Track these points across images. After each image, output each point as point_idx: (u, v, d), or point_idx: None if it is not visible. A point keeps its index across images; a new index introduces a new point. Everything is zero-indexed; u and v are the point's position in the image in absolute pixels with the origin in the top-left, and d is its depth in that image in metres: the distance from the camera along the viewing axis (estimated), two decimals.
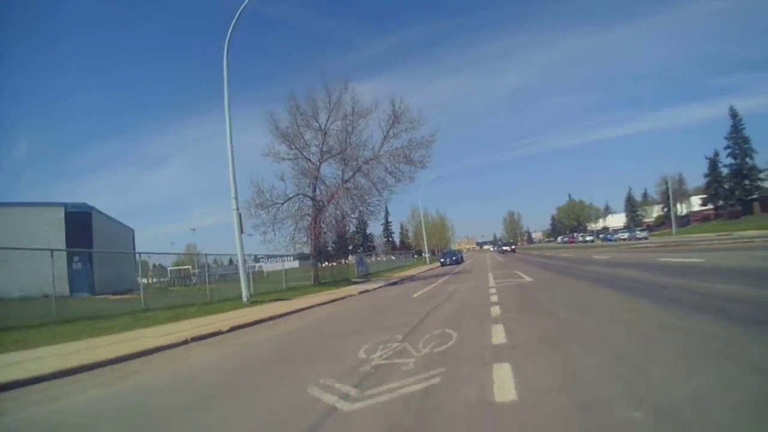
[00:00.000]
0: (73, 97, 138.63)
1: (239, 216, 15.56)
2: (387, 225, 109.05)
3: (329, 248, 29.91)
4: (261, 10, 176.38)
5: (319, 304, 14.19)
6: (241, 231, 15.64)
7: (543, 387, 3.48)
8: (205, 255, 25.79)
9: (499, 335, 5.71)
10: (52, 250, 14.43)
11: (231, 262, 49.05)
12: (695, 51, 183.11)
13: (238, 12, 16.69)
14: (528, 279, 15.04)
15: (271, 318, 11.44)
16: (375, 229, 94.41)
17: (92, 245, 28.19)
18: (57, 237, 26.67)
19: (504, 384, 3.61)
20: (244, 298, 15.24)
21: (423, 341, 5.86)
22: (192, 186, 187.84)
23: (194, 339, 8.75)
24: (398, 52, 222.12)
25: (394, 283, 23.31)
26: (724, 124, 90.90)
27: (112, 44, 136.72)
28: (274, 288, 22.45)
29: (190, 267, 57.38)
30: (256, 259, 36.80)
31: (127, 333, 9.85)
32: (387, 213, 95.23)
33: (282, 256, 32.23)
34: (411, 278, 26.80)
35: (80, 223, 28.32)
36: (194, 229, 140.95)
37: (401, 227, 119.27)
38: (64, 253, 25.35)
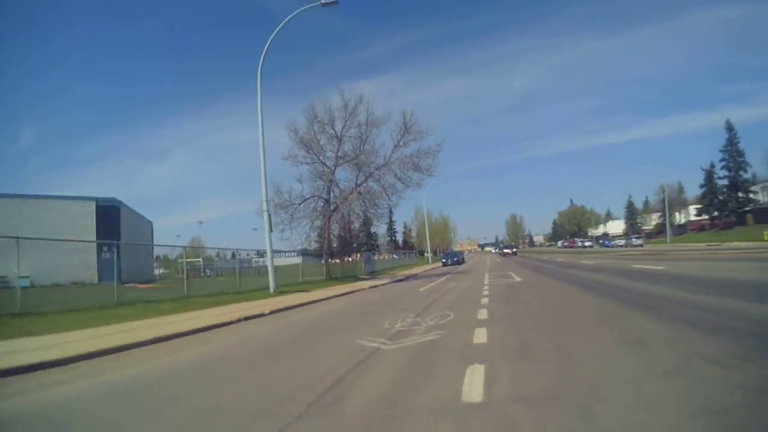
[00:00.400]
0: (76, 89, 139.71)
1: (269, 217, 17.99)
2: (391, 224, 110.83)
3: (334, 245, 32.19)
4: (269, 5, 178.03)
5: (337, 296, 16.58)
6: (271, 230, 18.06)
7: (502, 338, 5.86)
8: (237, 250, 28.32)
9: (482, 315, 8.11)
10: (118, 243, 16.69)
11: (234, 255, 50.63)
12: (701, 59, 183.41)
13: (268, 42, 19.11)
14: (518, 279, 17.42)
15: (302, 305, 13.79)
16: (379, 227, 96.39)
17: (120, 237, 30.56)
18: (89, 229, 29.06)
19: (480, 336, 6.01)
20: (271, 289, 17.62)
21: (429, 317, 8.27)
22: (197, 179, 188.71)
23: (246, 318, 11.01)
24: (405, 52, 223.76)
25: (400, 280, 25.69)
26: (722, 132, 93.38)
27: (114, 37, 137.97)
28: (290, 281, 24.72)
29: (200, 259, 59.58)
30: (260, 254, 38.42)
31: (187, 314, 12.13)
32: (391, 212, 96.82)
33: (286, 252, 34.44)
34: (415, 276, 29.16)
35: (110, 216, 30.83)
36: (201, 222, 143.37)
37: (405, 226, 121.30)
38: (95, 244, 27.79)
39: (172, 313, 12.22)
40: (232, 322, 10.49)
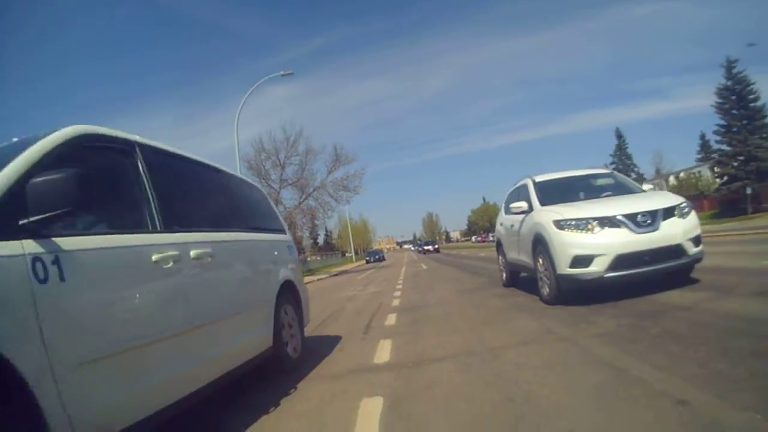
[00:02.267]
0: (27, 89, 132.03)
1: None
2: (313, 227, 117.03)
3: None
4: (186, 11, 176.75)
5: None
6: None
7: (407, 287, 13.57)
8: None
9: (400, 282, 15.82)
10: None
11: None
12: (618, 54, 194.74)
13: (242, 100, 25.92)
14: (424, 267, 25.34)
15: None
16: (303, 231, 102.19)
17: None
18: None
19: (398, 288, 13.69)
20: None
21: (372, 286, 15.97)
22: None
23: None
24: (319, 55, 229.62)
25: (336, 275, 33.04)
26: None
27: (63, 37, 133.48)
28: None
29: None
30: None
31: None
32: (313, 216, 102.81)
33: None
34: (347, 272, 36.69)
35: None
36: None
37: (326, 230, 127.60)
38: None
39: None
40: None
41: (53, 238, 2.18)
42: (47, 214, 2.12)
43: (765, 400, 2.42)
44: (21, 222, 2.08)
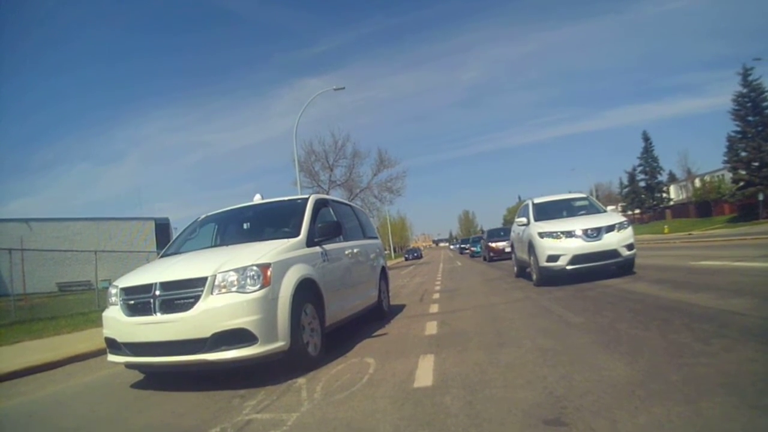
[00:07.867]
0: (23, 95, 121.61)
1: None
2: None
3: None
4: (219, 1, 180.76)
5: None
6: None
7: (446, 278, 17.42)
8: None
9: (439, 275, 19.67)
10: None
11: None
12: (650, 50, 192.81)
13: (299, 113, 30.01)
14: (459, 264, 29.13)
15: None
16: None
17: None
18: (151, 241, 39.24)
19: (438, 279, 17.55)
20: None
21: (417, 278, 19.90)
22: (150, 181, 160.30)
23: None
24: (353, 48, 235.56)
25: None
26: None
27: (57, 38, 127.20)
28: None
29: None
30: None
31: None
32: None
33: None
34: (390, 267, 40.45)
35: (163, 231, 40.93)
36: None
37: None
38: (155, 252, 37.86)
39: None
40: None
41: (324, 245, 6.15)
42: (320, 237, 6.07)
43: (594, 317, 6.18)
44: (316, 240, 6.03)
